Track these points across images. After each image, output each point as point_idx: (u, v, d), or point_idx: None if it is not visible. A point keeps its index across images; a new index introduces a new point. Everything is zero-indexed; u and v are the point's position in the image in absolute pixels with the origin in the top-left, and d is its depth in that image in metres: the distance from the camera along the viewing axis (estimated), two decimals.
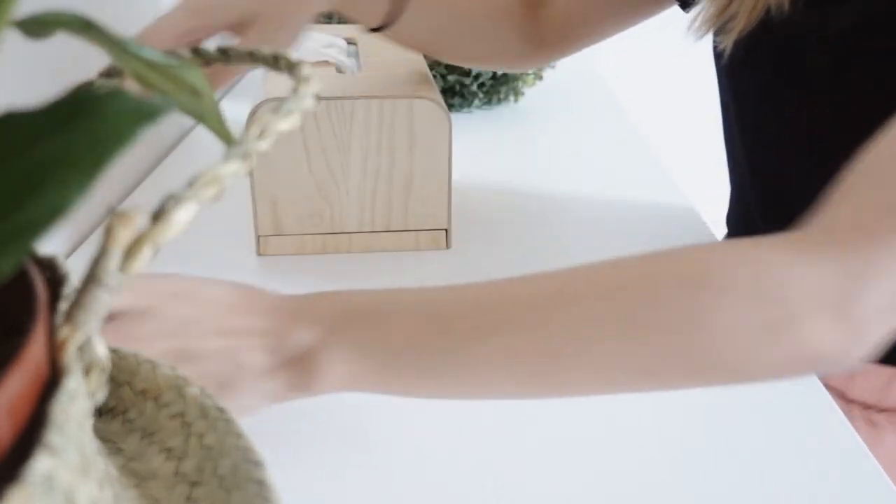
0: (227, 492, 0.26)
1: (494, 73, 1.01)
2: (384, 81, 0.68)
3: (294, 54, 0.25)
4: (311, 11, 0.57)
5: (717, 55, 0.62)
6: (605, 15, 0.68)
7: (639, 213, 0.82)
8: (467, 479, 0.45)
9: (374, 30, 0.62)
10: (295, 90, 0.23)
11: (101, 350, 0.22)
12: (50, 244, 0.62)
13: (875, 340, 0.38)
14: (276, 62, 0.25)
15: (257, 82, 1.04)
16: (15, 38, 0.21)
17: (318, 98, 0.23)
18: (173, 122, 0.96)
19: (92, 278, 0.19)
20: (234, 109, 1.02)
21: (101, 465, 0.22)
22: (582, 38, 0.70)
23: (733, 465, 0.46)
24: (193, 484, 0.27)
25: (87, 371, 0.21)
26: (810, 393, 0.51)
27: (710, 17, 0.57)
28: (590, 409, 0.50)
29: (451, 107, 1.04)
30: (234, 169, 0.20)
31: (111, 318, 0.40)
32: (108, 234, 0.19)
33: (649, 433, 0.49)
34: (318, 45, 0.77)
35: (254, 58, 0.26)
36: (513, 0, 0.68)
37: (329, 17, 1.02)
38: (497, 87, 1.05)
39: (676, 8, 0.68)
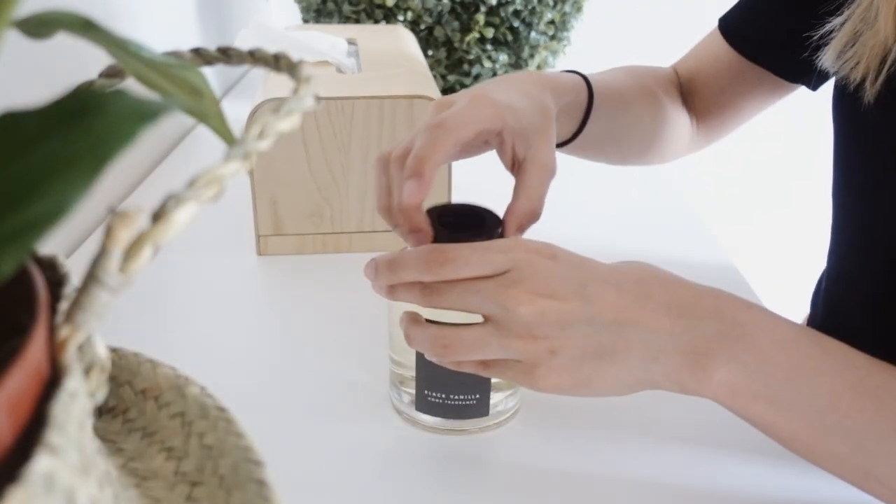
0: (227, 492, 0.26)
1: (494, 73, 1.01)
2: (384, 81, 0.68)
3: (294, 54, 0.25)
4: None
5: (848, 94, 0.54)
6: (740, 101, 0.70)
7: (639, 213, 0.82)
8: (468, 480, 0.45)
9: (560, 145, 0.62)
10: (295, 90, 0.23)
11: (101, 350, 0.22)
12: (50, 244, 0.62)
13: None
14: (277, 62, 0.25)
15: (257, 82, 1.04)
16: (15, 38, 0.21)
17: (318, 98, 0.23)
18: (173, 122, 0.96)
19: (92, 278, 0.19)
20: (234, 109, 1.02)
21: (102, 464, 0.23)
22: (728, 121, 0.73)
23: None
24: (193, 484, 0.27)
25: (88, 371, 0.21)
26: None
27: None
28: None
29: None
30: (234, 169, 0.20)
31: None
32: (108, 234, 0.19)
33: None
34: (319, 44, 0.77)
35: (254, 58, 0.26)
36: (672, 101, 0.72)
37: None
38: None
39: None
